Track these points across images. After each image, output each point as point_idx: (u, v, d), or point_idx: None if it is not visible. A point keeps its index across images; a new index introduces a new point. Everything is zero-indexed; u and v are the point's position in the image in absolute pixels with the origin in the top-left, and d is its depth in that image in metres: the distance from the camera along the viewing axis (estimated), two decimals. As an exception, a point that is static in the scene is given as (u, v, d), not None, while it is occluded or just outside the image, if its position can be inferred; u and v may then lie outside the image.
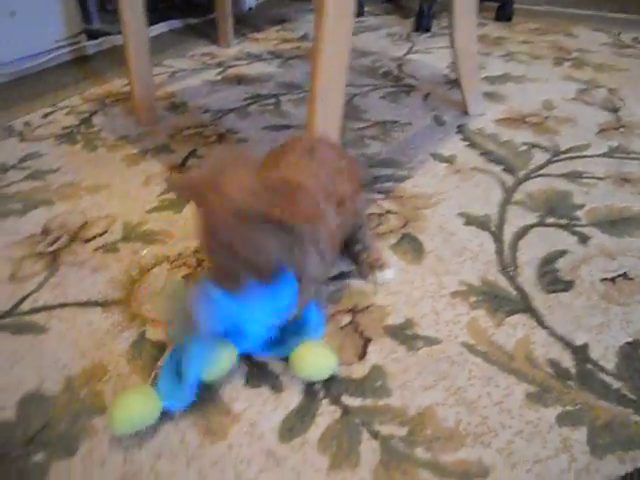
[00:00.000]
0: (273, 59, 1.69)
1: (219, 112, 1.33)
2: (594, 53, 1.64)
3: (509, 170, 1.04)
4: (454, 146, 1.14)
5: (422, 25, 1.86)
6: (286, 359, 0.64)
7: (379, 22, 2.02)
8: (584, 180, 1.00)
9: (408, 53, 1.70)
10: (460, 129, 1.21)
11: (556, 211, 0.92)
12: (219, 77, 1.56)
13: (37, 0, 1.59)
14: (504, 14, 1.94)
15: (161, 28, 1.95)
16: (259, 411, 0.60)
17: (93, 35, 1.80)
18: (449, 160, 1.08)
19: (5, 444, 0.58)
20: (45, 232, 0.92)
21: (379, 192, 0.99)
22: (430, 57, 1.65)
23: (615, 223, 0.88)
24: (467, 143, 1.15)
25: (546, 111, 1.28)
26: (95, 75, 1.61)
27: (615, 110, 1.27)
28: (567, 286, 0.76)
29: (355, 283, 0.78)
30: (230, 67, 1.64)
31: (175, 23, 2.02)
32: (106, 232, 0.91)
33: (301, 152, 0.67)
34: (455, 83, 1.43)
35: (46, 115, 1.36)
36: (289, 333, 0.65)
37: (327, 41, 0.77)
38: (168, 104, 1.39)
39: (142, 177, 1.07)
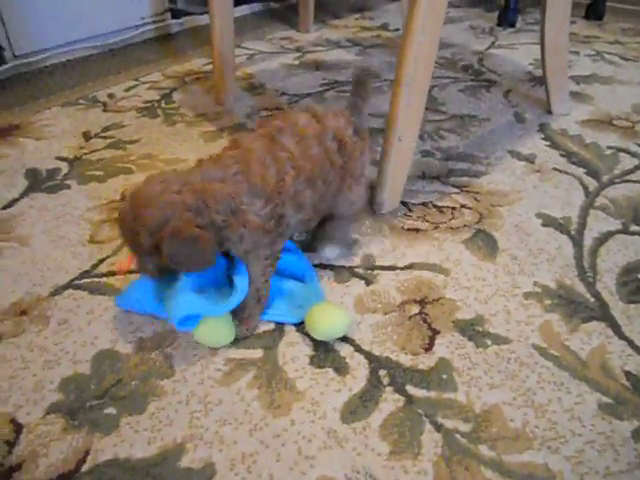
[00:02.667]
0: (352, 47, 1.68)
1: (296, 96, 1.34)
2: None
3: (592, 173, 0.99)
4: (534, 145, 1.10)
5: (507, 19, 1.80)
6: (299, 324, 0.69)
7: (462, 14, 1.97)
8: (675, 190, 0.94)
9: (490, 47, 1.65)
10: (541, 128, 1.16)
11: (641, 219, 0.87)
12: (297, 62, 1.57)
13: (128, -23, 1.65)
14: (595, 12, 1.85)
15: (243, 11, 1.97)
16: (322, 391, 0.61)
17: (177, 14, 1.84)
18: (528, 159, 1.05)
19: (80, 395, 0.61)
20: (123, 199, 0.96)
21: (453, 186, 0.96)
22: (513, 53, 1.60)
23: None
24: (548, 143, 1.10)
25: (636, 115, 1.21)
26: (176, 53, 1.65)
27: None
28: (650, 298, 0.72)
29: (426, 274, 0.77)
30: (308, 52, 1.64)
31: (256, 6, 2.05)
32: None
33: (263, 132, 0.68)
34: (539, 81, 1.37)
35: (129, 89, 1.41)
36: (296, 299, 0.71)
37: (418, 29, 0.76)
38: (246, 85, 1.41)
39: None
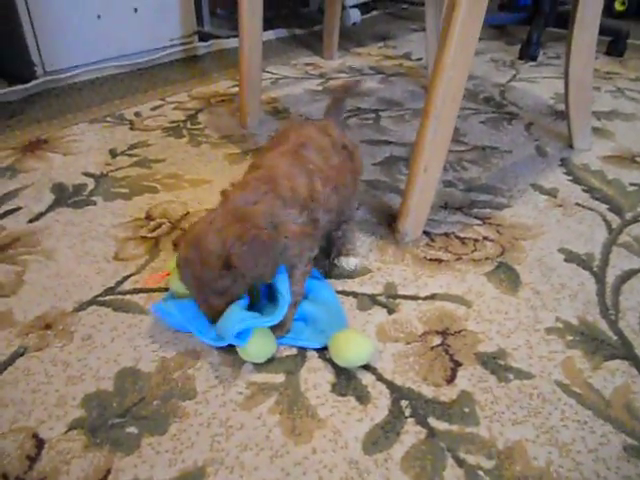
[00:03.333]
0: (374, 74, 1.71)
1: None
2: None
3: (615, 210, 0.99)
4: (556, 179, 1.10)
5: (528, 53, 1.82)
6: (321, 350, 0.69)
7: (483, 47, 2.00)
8: (699, 230, 0.94)
9: (511, 80, 1.66)
10: (563, 162, 1.17)
11: (665, 259, 0.87)
12: (320, 87, 1.59)
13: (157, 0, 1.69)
14: (616, 49, 1.86)
15: (268, 36, 2.01)
16: (344, 420, 0.60)
17: (204, 37, 1.89)
18: (551, 193, 1.05)
19: (103, 412, 0.61)
20: (148, 217, 0.97)
21: (476, 217, 0.97)
22: (535, 86, 1.61)
23: None
24: (570, 177, 1.11)
25: (658, 153, 1.21)
26: (202, 75, 1.68)
27: None
28: (675, 339, 0.71)
29: (448, 305, 0.77)
30: (332, 79, 1.67)
31: (282, 32, 2.09)
32: (205, 224, 0.95)
33: (285, 149, 0.72)
34: (560, 115, 1.38)
35: (155, 108, 1.44)
36: (319, 324, 0.72)
37: (449, 64, 0.78)
38: (271, 109, 1.43)
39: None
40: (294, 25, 2.16)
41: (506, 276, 0.83)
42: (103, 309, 0.76)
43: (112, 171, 1.13)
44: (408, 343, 0.71)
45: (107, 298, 0.79)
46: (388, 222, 0.95)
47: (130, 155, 1.19)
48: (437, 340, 0.71)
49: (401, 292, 0.79)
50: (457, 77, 0.79)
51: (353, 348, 0.66)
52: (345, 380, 0.65)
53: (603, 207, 1.00)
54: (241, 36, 1.21)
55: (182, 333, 0.71)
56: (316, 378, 0.66)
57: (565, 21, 1.99)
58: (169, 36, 1.76)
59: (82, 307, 0.77)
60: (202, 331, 0.68)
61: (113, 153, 1.20)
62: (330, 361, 0.67)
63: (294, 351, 0.69)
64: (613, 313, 0.76)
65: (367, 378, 0.66)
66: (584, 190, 1.06)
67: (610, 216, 0.98)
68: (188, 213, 0.98)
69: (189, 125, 1.34)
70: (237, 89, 1.55)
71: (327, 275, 0.82)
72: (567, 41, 1.10)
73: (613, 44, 1.87)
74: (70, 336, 0.72)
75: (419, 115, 1.31)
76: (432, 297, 0.79)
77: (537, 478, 0.55)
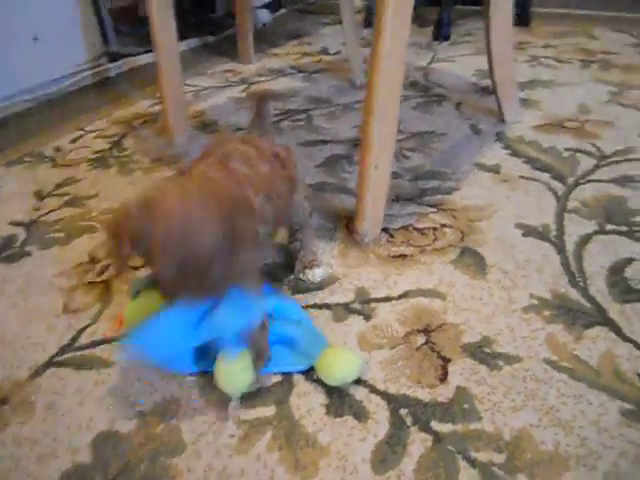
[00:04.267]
0: (296, 74, 1.68)
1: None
2: (619, 55, 1.63)
3: (557, 177, 1.02)
4: (496, 155, 1.12)
5: (441, 34, 1.85)
6: (306, 371, 0.66)
7: (396, 32, 2.01)
8: (636, 184, 0.98)
9: (432, 62, 1.69)
10: (499, 137, 1.19)
11: (613, 218, 0.90)
12: (244, 94, 1.55)
13: (58, 25, 1.59)
14: (523, 19, 1.93)
15: (180, 47, 1.92)
16: (346, 442, 0.58)
17: (113, 57, 1.79)
18: (494, 169, 1.06)
19: (85, 488, 0.56)
20: (93, 260, 0.90)
21: (429, 205, 0.97)
22: (454, 65, 1.64)
23: (678, 228, 0.86)
24: (509, 151, 1.13)
25: (583, 115, 1.26)
26: (119, 97, 1.59)
27: (653, 111, 1.26)
28: (641, 296, 0.74)
29: (422, 301, 0.76)
30: (254, 83, 1.63)
31: (193, 42, 2.02)
32: (156, 258, 0.89)
33: (211, 162, 0.67)
34: (486, 91, 1.41)
35: (75, 139, 1.35)
36: (298, 346, 0.68)
37: (385, 55, 0.76)
38: (198, 123, 1.38)
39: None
40: (205, 33, 2.09)
41: (471, 261, 0.83)
42: (63, 370, 0.70)
43: (42, 216, 1.04)
44: (392, 347, 0.69)
45: (65, 357, 0.72)
46: (345, 224, 0.93)
47: (59, 195, 1.11)
48: (421, 339, 0.70)
49: (373, 295, 0.78)
50: (394, 68, 0.78)
51: (342, 365, 0.63)
52: (338, 399, 0.63)
53: (546, 176, 1.03)
54: (156, 52, 1.15)
55: (156, 380, 0.66)
56: (308, 403, 0.63)
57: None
58: (75, 62, 1.66)
59: (39, 372, 0.70)
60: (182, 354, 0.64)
61: (39, 195, 1.11)
62: (318, 382, 0.64)
63: (279, 377, 0.66)
64: (581, 280, 0.77)
65: (360, 392, 0.63)
66: (524, 162, 1.08)
67: (554, 184, 1.00)
68: (134, 249, 0.92)
69: (115, 153, 1.26)
70: (159, 107, 1.48)
71: (294, 291, 0.79)
72: (484, 19, 1.12)
73: (518, 15, 1.94)
74: (31, 408, 0.65)
75: (349, 110, 1.30)
76: (405, 295, 0.77)
77: (548, 462, 0.55)
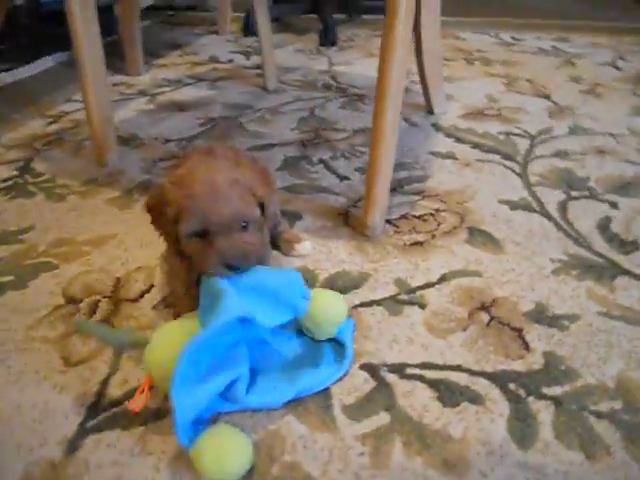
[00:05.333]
0: (197, 82, 1.59)
1: (182, 140, 1.21)
2: (491, 52, 1.83)
3: (507, 157, 1.11)
4: (443, 143, 1.18)
5: (329, 39, 1.89)
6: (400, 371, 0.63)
7: (279, 39, 2.01)
8: (572, 156, 1.11)
9: (332, 66, 1.71)
10: (436, 127, 1.25)
11: (573, 185, 1.00)
12: (152, 105, 1.42)
13: None
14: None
15: (47, 63, 1.70)
16: (480, 428, 0.56)
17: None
18: (450, 156, 1.12)
19: None
20: (71, 301, 0.75)
21: (413, 194, 0.98)
22: (356, 67, 1.69)
23: (624, 188, 0.99)
24: (452, 139, 1.19)
25: (494, 104, 1.38)
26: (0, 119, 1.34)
27: (547, 96, 1.43)
28: (635, 245, 0.83)
29: (463, 282, 0.76)
30: (157, 94, 1.49)
31: (61, 56, 1.78)
32: (153, 286, 0.77)
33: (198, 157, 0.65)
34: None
35: (-37, 169, 1.11)
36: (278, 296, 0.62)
37: (398, 43, 0.76)
38: (117, 139, 1.22)
39: (147, 217, 0.92)
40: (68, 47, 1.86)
41: (483, 238, 0.86)
42: (107, 435, 0.57)
43: (-32, 261, 0.83)
44: (464, 329, 0.68)
45: (101, 418, 0.58)
46: (343, 222, 0.90)
47: (-22, 235, 0.90)
48: (485, 316, 0.70)
49: (414, 284, 0.76)
50: (405, 54, 0.78)
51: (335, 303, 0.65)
52: (445, 390, 0.60)
53: (497, 157, 1.11)
54: (79, 53, 0.99)
55: (243, 419, 0.57)
56: (418, 400, 0.59)
57: (346, 5, 2.11)
58: None
59: (74, 444, 0.56)
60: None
61: (-49, 238, 0.89)
62: (416, 377, 0.61)
63: (372, 383, 0.61)
64: (583, 241, 0.84)
65: (461, 378, 0.62)
66: (472, 147, 1.15)
67: (508, 164, 1.08)
68: (119, 280, 0.79)
69: (30, 179, 1.06)
70: (55, 127, 1.29)
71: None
72: (415, 19, 1.17)
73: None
74: (92, 485, 0.51)
75: (277, 113, 1.29)
76: (444, 279, 0.77)
77: (657, 400, 0.58)
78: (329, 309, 0.64)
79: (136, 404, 0.56)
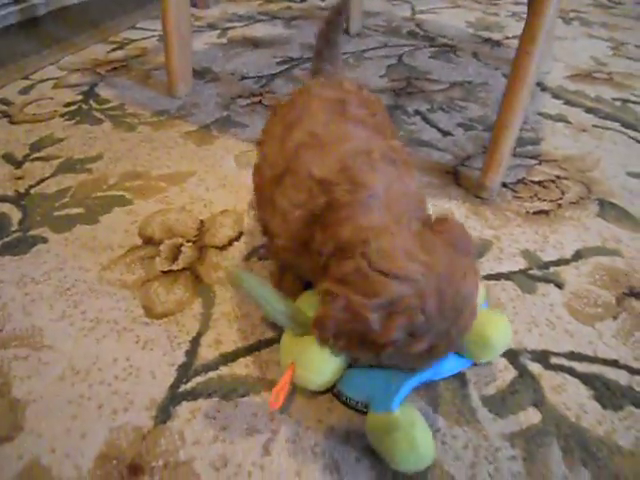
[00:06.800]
0: (271, 20, 1.46)
1: (261, 78, 1.10)
2: (587, 13, 1.65)
3: (629, 126, 0.97)
4: (551, 104, 1.04)
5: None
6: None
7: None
8: None
9: (415, 13, 1.56)
10: (541, 87, 1.11)
11: None
12: (224, 40, 1.30)
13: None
14: None
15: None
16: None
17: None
18: (562, 119, 0.98)
19: None
20: (148, 241, 0.66)
21: (528, 157, 0.86)
22: (441, 17, 1.53)
23: None
24: (561, 101, 1.06)
25: (602, 67, 1.23)
26: (57, 41, 1.24)
27: (662, 64, 1.27)
28: None
29: (603, 261, 0.65)
30: (228, 29, 1.37)
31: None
32: (242, 233, 0.67)
33: (330, 109, 0.53)
34: (490, 42, 1.33)
35: (25, 90, 1.02)
36: None
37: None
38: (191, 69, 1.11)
39: (229, 156, 0.82)
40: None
41: (616, 213, 0.74)
42: (204, 403, 0.48)
43: (33, 186, 0.75)
44: (615, 317, 0.57)
45: (195, 383, 0.50)
46: (453, 181, 0.79)
47: (42, 158, 0.81)
48: (637, 304, 0.59)
49: (546, 259, 0.65)
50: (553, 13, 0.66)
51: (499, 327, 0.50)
52: (602, 388, 0.50)
53: (616, 125, 0.97)
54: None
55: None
56: (572, 398, 0.49)
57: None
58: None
59: (166, 413, 0.47)
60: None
61: (13, 161, 0.80)
62: (565, 369, 0.51)
63: (513, 372, 0.51)
64: None
65: (620, 376, 0.51)
66: (586, 111, 1.02)
67: (632, 133, 0.95)
68: (203, 223, 0.69)
69: (96, 105, 0.96)
70: (120, 53, 1.18)
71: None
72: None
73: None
74: (189, 470, 0.43)
75: (362, 58, 1.34)
76: (580, 256, 0.66)
77: None
78: (506, 337, 0.50)
79: (277, 402, 0.44)
